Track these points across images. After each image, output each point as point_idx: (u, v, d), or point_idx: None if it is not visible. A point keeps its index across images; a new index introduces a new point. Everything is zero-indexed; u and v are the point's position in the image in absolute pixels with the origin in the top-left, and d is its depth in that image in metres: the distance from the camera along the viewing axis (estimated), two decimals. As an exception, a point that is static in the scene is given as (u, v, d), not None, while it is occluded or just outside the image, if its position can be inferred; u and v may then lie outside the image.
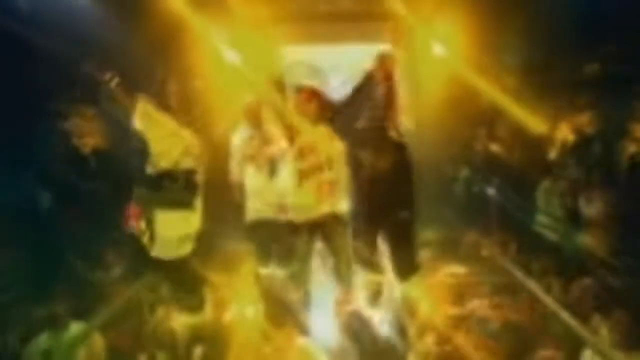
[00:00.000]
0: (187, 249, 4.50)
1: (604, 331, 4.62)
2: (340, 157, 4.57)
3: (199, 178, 4.51)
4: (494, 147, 7.62)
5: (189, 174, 4.44)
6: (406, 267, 4.75)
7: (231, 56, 6.84)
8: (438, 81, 7.27)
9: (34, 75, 6.12)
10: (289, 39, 6.86)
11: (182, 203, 4.43)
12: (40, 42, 5.87)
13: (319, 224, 4.64)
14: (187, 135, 4.48)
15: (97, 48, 5.01)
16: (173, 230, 4.41)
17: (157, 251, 4.43)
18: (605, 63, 6.52)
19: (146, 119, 4.21)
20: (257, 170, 5.07)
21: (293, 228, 4.70)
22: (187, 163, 4.41)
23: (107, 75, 4.05)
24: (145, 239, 4.46)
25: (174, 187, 4.38)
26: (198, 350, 4.51)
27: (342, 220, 4.69)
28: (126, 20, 6.59)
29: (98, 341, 4.75)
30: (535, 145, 6.86)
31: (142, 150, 4.39)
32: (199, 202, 4.53)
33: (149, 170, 4.34)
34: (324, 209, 4.58)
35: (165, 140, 4.32)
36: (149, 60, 6.02)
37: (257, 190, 5.09)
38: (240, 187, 5.17)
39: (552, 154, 6.69)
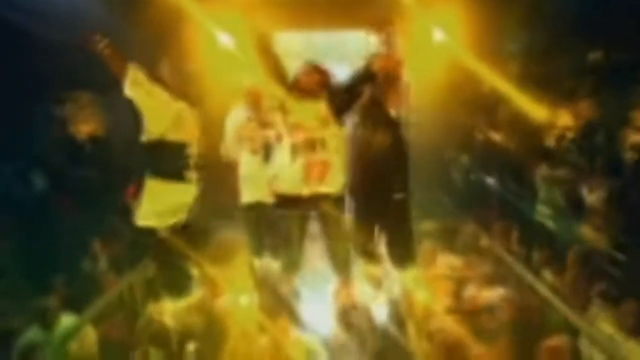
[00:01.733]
0: (176, 219, 4.41)
1: (603, 321, 4.61)
2: (335, 139, 4.50)
3: (193, 150, 4.43)
4: (494, 135, 7.58)
5: (181, 145, 4.37)
6: (404, 256, 4.70)
7: (225, 40, 6.81)
8: (438, 67, 7.23)
9: (30, 62, 6.10)
10: (284, 24, 6.79)
11: (173, 174, 4.36)
12: (36, 30, 5.82)
13: (312, 204, 4.56)
14: (181, 107, 4.40)
15: (94, 33, 4.91)
16: (161, 199, 4.34)
17: (143, 219, 4.35)
18: (608, 50, 6.49)
19: (137, 86, 4.14)
20: (252, 153, 5.03)
21: (286, 207, 4.62)
22: (178, 134, 4.34)
23: (96, 37, 3.94)
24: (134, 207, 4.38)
25: (164, 157, 4.31)
26: (192, 344, 4.45)
27: (336, 203, 4.61)
28: (122, 6, 6.55)
29: (90, 333, 4.70)
30: (536, 133, 6.82)
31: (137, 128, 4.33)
32: (193, 175, 4.45)
33: (143, 138, 4.28)
34: (312, 189, 4.50)
35: (156, 109, 4.25)
36: (145, 45, 5.95)
37: (252, 174, 5.05)
38: (234, 165, 5.13)
39: (553, 142, 6.64)
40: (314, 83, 4.50)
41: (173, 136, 4.31)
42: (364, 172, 4.54)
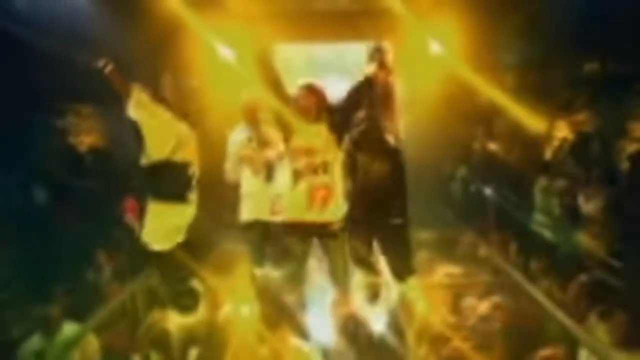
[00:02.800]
0: (177, 239, 4.45)
1: (601, 331, 4.61)
2: (336, 162, 4.53)
3: (194, 171, 4.47)
4: (492, 146, 7.61)
5: (183, 166, 4.40)
6: (402, 269, 4.71)
7: (226, 53, 6.84)
8: (435, 79, 7.27)
9: (31, 74, 6.11)
10: (284, 37, 6.83)
11: (175, 195, 4.39)
12: (37, 42, 5.85)
13: (314, 227, 4.59)
14: (183, 128, 4.44)
15: (94, 47, 4.96)
16: (164, 221, 4.38)
17: (148, 241, 4.39)
18: (604, 62, 6.51)
19: (141, 108, 4.17)
20: (254, 173, 5.05)
21: (288, 230, 4.65)
22: (181, 155, 4.37)
23: (102, 61, 3.99)
24: (138, 230, 4.42)
25: (166, 179, 4.35)
26: (193, 352, 4.47)
27: (338, 225, 4.64)
28: (122, 19, 6.59)
29: (92, 342, 4.71)
30: (534, 144, 6.85)
31: (138, 146, 4.36)
32: (193, 195, 4.49)
33: (143, 161, 4.31)
34: (318, 212, 4.53)
35: (159, 130, 4.28)
36: (146, 58, 6.00)
37: (253, 193, 5.08)
38: (235, 187, 5.14)
39: (551, 153, 6.67)
40: (311, 106, 4.52)
41: (177, 157, 4.34)
42: (362, 198, 4.54)
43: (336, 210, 4.52)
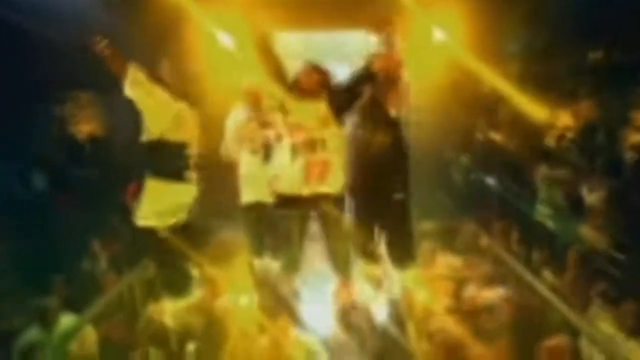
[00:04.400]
0: (175, 219, 4.42)
1: (603, 321, 4.62)
2: (335, 139, 4.49)
3: (193, 151, 4.44)
4: (495, 135, 7.58)
5: (181, 145, 4.38)
6: (404, 256, 4.69)
7: (225, 40, 6.81)
8: (438, 67, 7.22)
9: (31, 62, 6.10)
10: (283, 24, 6.78)
11: (173, 173, 4.37)
12: (36, 30, 5.82)
13: (312, 204, 4.56)
14: (181, 106, 4.41)
15: (94, 35, 4.91)
16: (162, 199, 4.35)
17: (143, 220, 4.36)
18: (609, 51, 6.49)
19: (137, 86, 4.15)
20: (252, 153, 5.04)
21: (283, 204, 4.62)
22: (180, 134, 4.35)
23: (96, 38, 3.95)
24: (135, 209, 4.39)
25: (164, 157, 4.32)
26: (191, 345, 4.45)
27: (336, 203, 4.61)
28: (122, 6, 6.55)
29: (90, 333, 4.70)
30: (537, 133, 6.82)
31: (137, 129, 4.34)
32: (193, 174, 4.46)
33: (143, 138, 4.29)
34: (312, 189, 4.50)
35: (156, 108, 4.26)
36: (146, 45, 5.96)
37: (251, 174, 5.06)
38: (234, 166, 5.13)
39: (554, 143, 6.64)
40: (313, 83, 4.49)
41: (173, 136, 4.32)
42: (364, 172, 4.54)
43: (334, 182, 4.49)
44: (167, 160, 4.35)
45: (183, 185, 4.42)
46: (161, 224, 4.37)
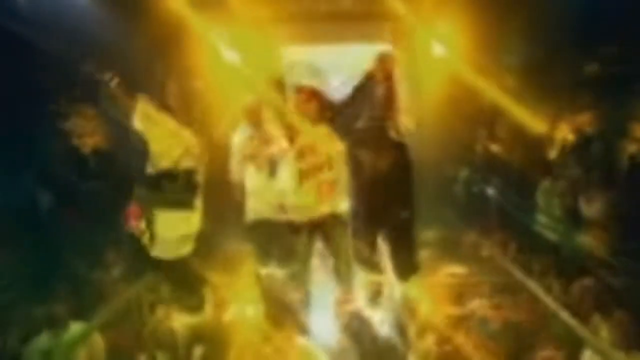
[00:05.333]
0: (187, 249, 4.49)
1: (604, 331, 4.63)
2: (340, 157, 4.56)
3: (199, 178, 4.50)
4: (494, 147, 7.62)
5: (189, 173, 4.43)
6: (406, 267, 4.74)
7: (231, 56, 6.85)
8: (438, 81, 7.27)
9: (34, 75, 6.12)
10: (289, 39, 6.84)
11: (182, 203, 4.42)
12: (40, 42, 5.87)
13: (319, 224, 4.63)
14: (187, 135, 4.47)
15: (97, 48, 4.99)
16: (173, 230, 4.41)
17: (157, 251, 4.43)
18: (605, 63, 6.52)
19: (146, 119, 4.21)
20: (257, 170, 5.07)
21: (293, 228, 4.69)
22: (187, 163, 4.40)
23: (107, 75, 4.03)
24: (145, 239, 4.45)
25: (174, 187, 4.37)
26: (198, 351, 4.49)
27: (342, 220, 4.68)
28: (126, 20, 6.59)
29: (98, 341, 4.74)
30: (535, 145, 6.86)
31: (142, 150, 4.38)
32: (199, 202, 4.53)
33: (149, 170, 4.34)
34: (324, 209, 4.57)
35: (165, 140, 4.31)
36: (149, 60, 6.02)
37: (257, 190, 5.09)
38: (240, 187, 5.17)
39: (552, 154, 6.69)
40: (312, 111, 4.56)
41: (183, 164, 4.37)
42: (369, 194, 4.59)
43: (340, 200, 4.56)
44: (177, 190, 4.40)
45: (190, 213, 4.48)
46: (175, 256, 4.43)
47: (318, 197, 4.51)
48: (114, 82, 4.03)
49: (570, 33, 6.64)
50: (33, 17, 5.87)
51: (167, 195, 4.37)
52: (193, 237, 4.51)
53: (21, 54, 5.92)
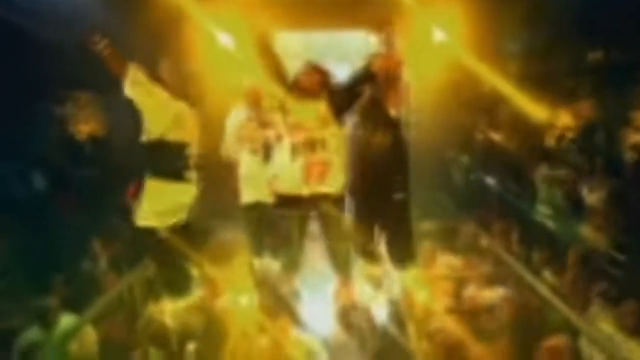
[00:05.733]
0: (175, 219, 4.42)
1: (603, 321, 4.62)
2: (335, 139, 4.50)
3: (192, 150, 4.44)
4: (494, 135, 7.59)
5: (181, 145, 4.37)
6: (403, 255, 4.70)
7: (225, 40, 6.81)
8: (438, 67, 7.23)
9: (31, 62, 6.09)
10: (283, 24, 6.77)
11: (173, 174, 4.37)
12: (36, 30, 5.82)
13: (312, 204, 4.56)
14: (181, 106, 4.40)
15: (93, 33, 4.90)
16: (161, 199, 4.35)
17: (143, 220, 4.36)
18: (608, 50, 6.48)
19: (137, 86, 4.15)
20: (252, 153, 5.06)
21: (283, 204, 4.62)
22: (179, 133, 4.35)
23: (95, 38, 3.95)
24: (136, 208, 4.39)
25: (164, 156, 4.32)
26: (191, 345, 4.45)
27: (336, 202, 4.61)
28: (122, 6, 6.54)
29: (90, 333, 4.69)
30: (537, 133, 6.82)
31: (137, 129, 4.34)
32: (193, 174, 4.46)
33: (143, 138, 4.29)
34: (312, 189, 4.50)
35: (156, 108, 4.26)
36: (145, 44, 5.96)
37: (252, 174, 5.08)
38: (234, 166, 5.14)
39: (553, 142, 6.64)
40: (314, 83, 4.50)
41: (173, 136, 4.32)
42: (364, 172, 4.56)
43: (334, 182, 4.50)
44: (167, 160, 4.35)
45: (183, 185, 4.42)
46: (161, 224, 4.37)
47: (306, 175, 4.44)
48: (102, 44, 3.95)
49: (572, 20, 6.60)
50: (29, 4, 5.82)
51: (158, 164, 4.32)
52: (184, 209, 4.44)
53: (17, 41, 5.89)
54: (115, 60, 4.06)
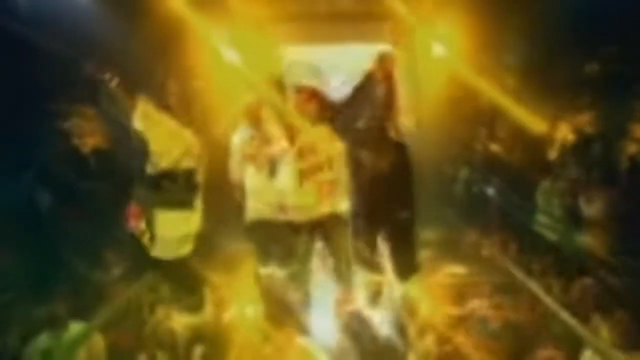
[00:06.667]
0: (187, 249, 4.50)
1: (604, 331, 4.63)
2: (340, 157, 4.57)
3: (199, 178, 4.51)
4: (494, 147, 7.62)
5: (189, 173, 4.44)
6: (406, 267, 4.75)
7: (231, 56, 6.85)
8: (438, 81, 7.28)
9: (34, 75, 6.11)
10: (289, 39, 6.84)
11: (182, 203, 4.44)
12: (40, 42, 5.87)
13: (319, 224, 4.63)
14: (188, 135, 4.48)
15: (97, 48, 4.98)
16: (173, 230, 4.42)
17: (157, 251, 4.44)
18: (605, 63, 6.52)
19: (146, 119, 4.22)
20: (257, 170, 5.05)
21: (293, 228, 4.68)
22: (187, 163, 4.42)
23: (107, 75, 4.04)
24: (145, 239, 4.45)
25: (173, 187, 4.39)
26: (198, 351, 4.50)
27: (342, 220, 4.68)
28: (126, 20, 6.59)
29: (98, 341, 4.74)
30: (535, 145, 6.85)
31: (142, 150, 4.38)
32: (199, 202, 4.54)
33: (149, 170, 4.34)
34: (324, 209, 4.57)
35: (165, 140, 4.32)
36: (149, 60, 6.02)
37: (257, 190, 5.06)
38: (240, 187, 5.17)
39: (552, 154, 6.68)
40: (312, 110, 4.56)
41: (184, 165, 4.37)
42: (369, 194, 4.61)
43: (340, 200, 4.56)
44: (177, 189, 4.40)
45: (191, 213, 4.48)
46: (174, 254, 4.43)
47: (318, 197, 4.51)
48: (114, 82, 4.04)
49: (570, 33, 6.63)
50: (33, 16, 5.88)
51: (167, 195, 4.38)
52: (193, 237, 4.52)
53: (21, 53, 5.92)
54: (124, 94, 4.14)
